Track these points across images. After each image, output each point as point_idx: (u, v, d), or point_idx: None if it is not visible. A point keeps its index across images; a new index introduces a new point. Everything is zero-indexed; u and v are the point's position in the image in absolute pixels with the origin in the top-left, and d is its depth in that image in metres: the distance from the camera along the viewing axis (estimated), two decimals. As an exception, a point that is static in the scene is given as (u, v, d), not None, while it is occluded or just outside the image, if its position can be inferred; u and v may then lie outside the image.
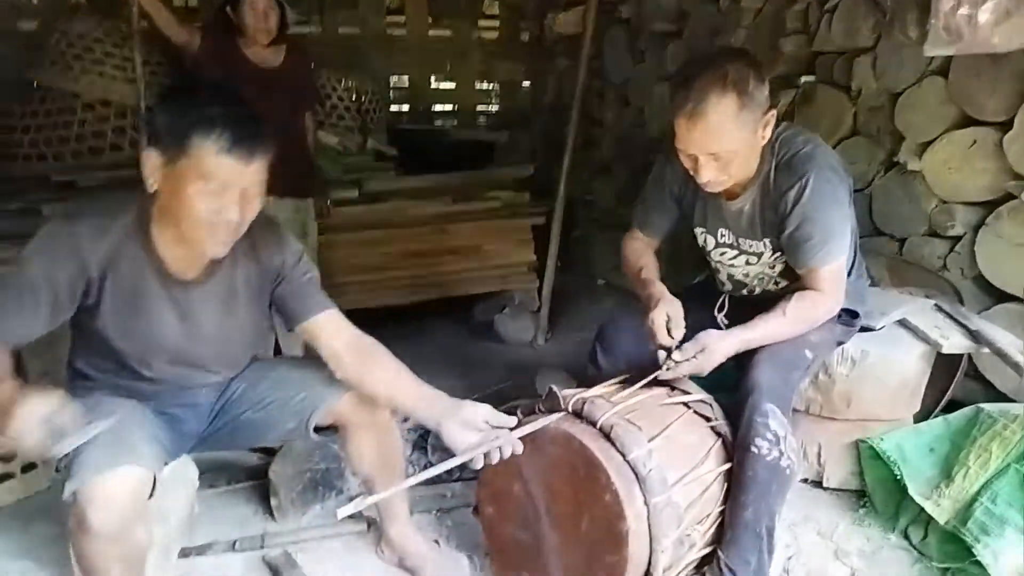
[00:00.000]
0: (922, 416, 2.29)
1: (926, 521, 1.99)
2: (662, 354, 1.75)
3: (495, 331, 3.90)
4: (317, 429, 1.73)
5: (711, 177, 1.75)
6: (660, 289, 1.88)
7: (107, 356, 1.61)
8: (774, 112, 1.74)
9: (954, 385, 2.39)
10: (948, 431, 2.11)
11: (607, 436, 1.57)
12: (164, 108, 1.50)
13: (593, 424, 1.59)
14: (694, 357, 1.71)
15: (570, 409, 1.65)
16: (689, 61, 1.87)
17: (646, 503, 1.52)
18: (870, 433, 2.17)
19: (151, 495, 1.49)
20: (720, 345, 1.73)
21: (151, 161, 1.45)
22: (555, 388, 1.70)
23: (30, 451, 1.35)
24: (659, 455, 1.57)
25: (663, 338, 1.75)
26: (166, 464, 1.62)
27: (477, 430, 1.51)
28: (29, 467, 2.24)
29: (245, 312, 1.68)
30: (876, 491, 2.15)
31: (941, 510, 1.94)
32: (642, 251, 2.08)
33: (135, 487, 1.43)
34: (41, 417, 1.32)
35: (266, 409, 1.72)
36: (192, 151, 1.40)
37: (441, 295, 3.79)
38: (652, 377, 1.76)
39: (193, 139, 1.39)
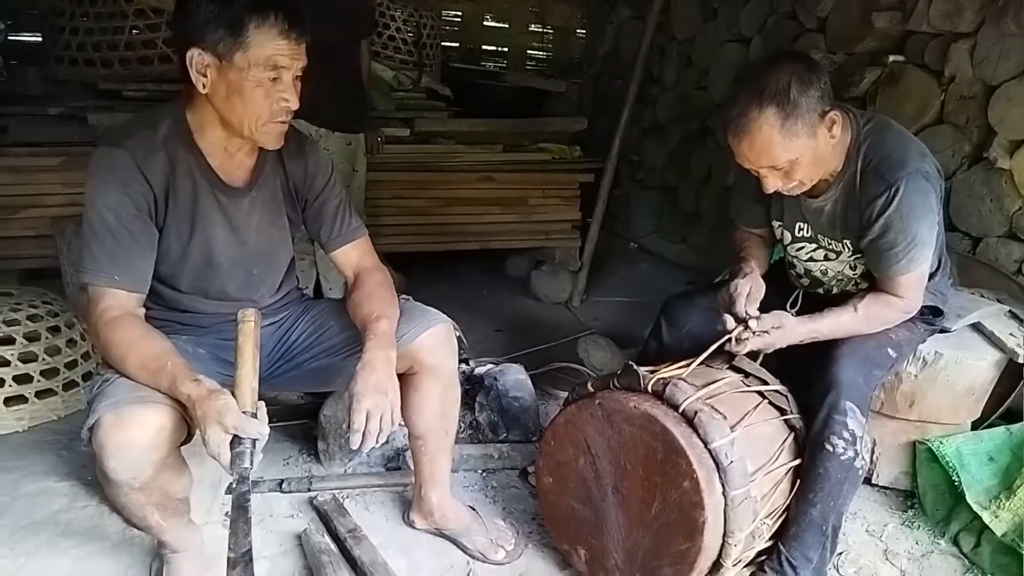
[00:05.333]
0: (976, 422, 2.24)
1: (979, 530, 1.96)
2: (731, 322, 1.67)
3: (529, 287, 3.82)
4: None
5: (776, 186, 1.70)
6: (750, 266, 1.82)
7: (163, 290, 1.55)
8: (837, 111, 1.64)
9: (1015, 394, 2.33)
10: (1009, 442, 2.07)
11: (689, 421, 1.51)
12: (202, 2, 1.36)
13: (675, 408, 1.53)
14: (767, 332, 1.67)
15: (650, 389, 1.59)
16: (739, 74, 1.80)
17: (724, 494, 1.47)
18: (927, 435, 2.12)
19: (188, 440, 1.39)
20: (794, 329, 1.70)
21: (200, 61, 1.37)
22: (633, 365, 1.64)
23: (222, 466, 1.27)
24: (740, 445, 1.52)
25: (740, 308, 1.68)
26: None
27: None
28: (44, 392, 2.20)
29: (284, 223, 1.65)
30: (928, 494, 2.11)
31: (999, 522, 1.91)
32: (745, 239, 2.02)
33: (152, 432, 1.29)
34: (226, 434, 1.25)
35: (339, 354, 1.66)
36: (250, 39, 1.35)
37: (482, 247, 3.71)
38: (722, 341, 1.68)
39: (249, 27, 1.34)
